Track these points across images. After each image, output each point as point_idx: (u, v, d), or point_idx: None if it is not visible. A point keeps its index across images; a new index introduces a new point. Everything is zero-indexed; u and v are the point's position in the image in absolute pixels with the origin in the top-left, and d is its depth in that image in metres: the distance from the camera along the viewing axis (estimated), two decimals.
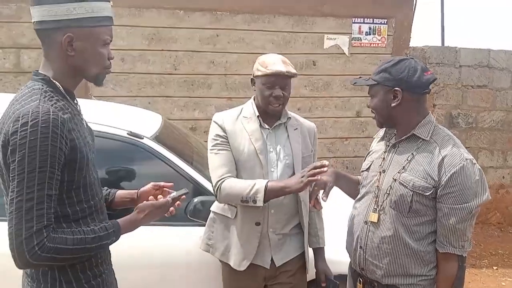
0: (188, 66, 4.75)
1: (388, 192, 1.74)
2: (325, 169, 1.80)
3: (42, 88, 1.32)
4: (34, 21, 1.35)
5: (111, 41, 1.42)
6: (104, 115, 2.59)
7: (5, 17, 4.37)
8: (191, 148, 3.01)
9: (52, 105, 1.28)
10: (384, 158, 1.82)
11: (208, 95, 4.83)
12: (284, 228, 2.10)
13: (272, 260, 2.09)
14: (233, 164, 2.02)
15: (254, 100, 2.14)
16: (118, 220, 1.46)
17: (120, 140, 2.38)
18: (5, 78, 4.46)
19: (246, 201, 1.93)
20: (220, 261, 2.18)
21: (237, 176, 2.03)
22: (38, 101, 1.27)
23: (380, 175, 1.80)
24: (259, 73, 2.01)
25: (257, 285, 2.13)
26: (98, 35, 1.36)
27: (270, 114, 2.07)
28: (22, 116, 1.23)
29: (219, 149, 2.04)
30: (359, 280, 1.87)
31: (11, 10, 4.37)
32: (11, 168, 1.24)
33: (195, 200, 2.32)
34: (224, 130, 2.06)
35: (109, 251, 1.55)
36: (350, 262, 1.97)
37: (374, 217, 1.77)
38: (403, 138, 1.77)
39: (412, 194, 1.68)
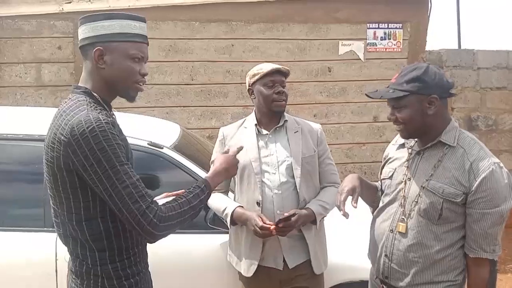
0: (204, 76, 4.80)
1: (416, 200, 1.71)
2: (272, 228, 1.97)
3: (86, 100, 1.43)
4: (79, 41, 1.50)
5: (142, 57, 1.50)
6: (125, 126, 2.64)
7: (26, 33, 4.49)
8: (209, 156, 3.03)
9: (98, 113, 1.38)
10: (408, 166, 1.79)
11: (224, 104, 4.87)
12: (295, 230, 2.10)
13: (285, 262, 2.12)
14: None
15: (254, 111, 2.25)
16: (205, 177, 1.63)
17: (141, 150, 2.42)
18: (26, 92, 4.57)
19: (223, 219, 2.18)
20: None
21: (238, 183, 2.20)
22: (86, 110, 1.37)
23: (405, 183, 1.77)
24: (258, 77, 2.14)
25: (272, 287, 2.15)
26: (125, 50, 1.46)
27: (270, 118, 2.18)
28: (76, 125, 1.33)
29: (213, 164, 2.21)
30: (383, 287, 1.86)
31: (31, 26, 4.49)
32: (88, 175, 1.34)
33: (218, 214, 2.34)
34: (223, 146, 2.22)
35: (147, 252, 1.62)
36: (372, 269, 1.95)
37: (402, 228, 1.74)
38: (428, 145, 1.74)
39: (443, 202, 1.65)
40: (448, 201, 1.65)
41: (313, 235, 2.16)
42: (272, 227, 1.98)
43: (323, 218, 2.19)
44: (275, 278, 2.13)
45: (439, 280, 1.72)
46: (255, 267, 2.12)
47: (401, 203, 1.77)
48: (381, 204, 1.89)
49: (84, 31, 1.46)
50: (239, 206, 2.13)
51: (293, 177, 2.11)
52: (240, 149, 1.77)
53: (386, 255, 1.79)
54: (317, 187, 2.23)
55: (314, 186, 2.21)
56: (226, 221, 2.15)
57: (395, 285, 1.79)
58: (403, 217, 1.75)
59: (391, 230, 1.78)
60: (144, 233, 1.38)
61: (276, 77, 2.13)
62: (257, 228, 1.99)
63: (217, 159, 1.70)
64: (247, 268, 2.14)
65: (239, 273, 2.21)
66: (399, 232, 1.75)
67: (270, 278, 2.13)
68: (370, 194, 1.99)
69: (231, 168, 1.70)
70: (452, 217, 1.68)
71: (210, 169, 1.69)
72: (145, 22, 1.52)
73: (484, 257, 1.66)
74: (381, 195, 1.93)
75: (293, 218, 2.00)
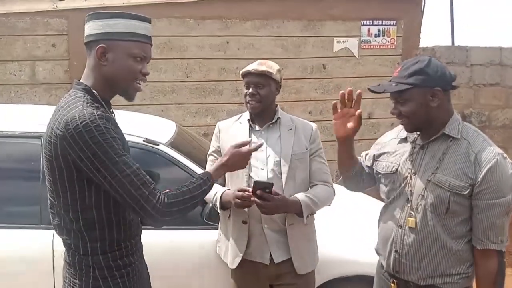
0: (199, 73, 4.81)
1: (423, 194, 1.71)
2: (251, 198, 1.97)
3: (84, 96, 1.45)
4: (84, 37, 1.53)
5: (145, 57, 1.53)
6: (121, 123, 2.65)
7: (20, 30, 4.48)
8: (205, 153, 3.05)
9: (94, 109, 1.41)
10: (412, 161, 1.77)
11: (219, 101, 4.88)
12: (281, 225, 2.13)
13: (271, 257, 2.13)
14: None
15: None
16: (209, 169, 1.67)
17: (137, 147, 2.44)
18: (21, 90, 4.56)
19: (214, 206, 2.18)
20: None
21: (228, 177, 2.21)
22: (81, 106, 1.40)
23: (410, 178, 1.76)
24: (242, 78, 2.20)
25: (260, 283, 2.17)
26: (128, 49, 1.49)
27: (261, 115, 2.20)
28: (71, 120, 1.36)
29: (210, 157, 2.30)
30: (393, 281, 1.83)
31: (26, 24, 4.48)
32: (85, 165, 1.37)
33: (211, 204, 2.36)
34: (218, 139, 2.27)
35: (141, 244, 1.65)
36: (379, 263, 1.95)
37: (411, 223, 1.73)
38: (432, 138, 1.74)
39: (450, 195, 1.65)
40: (455, 194, 1.64)
41: (296, 233, 2.13)
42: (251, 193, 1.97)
43: (312, 215, 2.18)
44: (262, 273, 2.15)
45: (452, 272, 1.71)
46: (239, 259, 2.14)
47: (408, 198, 1.76)
48: (387, 200, 1.88)
49: (90, 28, 1.49)
50: (228, 189, 2.16)
51: (280, 173, 2.12)
52: (259, 146, 1.82)
53: (396, 251, 1.78)
54: (307, 185, 2.20)
55: (304, 183, 2.18)
56: (216, 206, 2.16)
57: (406, 279, 1.78)
58: (411, 211, 1.74)
59: (399, 225, 1.77)
60: (148, 217, 1.43)
61: (250, 79, 2.13)
62: (237, 200, 2.00)
63: (230, 154, 1.72)
64: (232, 259, 2.17)
65: (231, 269, 2.22)
66: (409, 227, 1.74)
67: (257, 273, 2.15)
68: (349, 160, 1.97)
69: (240, 163, 1.74)
70: (459, 211, 1.67)
71: (218, 160, 1.73)
72: (150, 23, 1.55)
73: (492, 248, 1.65)
74: (365, 178, 1.96)
75: (276, 196, 1.97)
